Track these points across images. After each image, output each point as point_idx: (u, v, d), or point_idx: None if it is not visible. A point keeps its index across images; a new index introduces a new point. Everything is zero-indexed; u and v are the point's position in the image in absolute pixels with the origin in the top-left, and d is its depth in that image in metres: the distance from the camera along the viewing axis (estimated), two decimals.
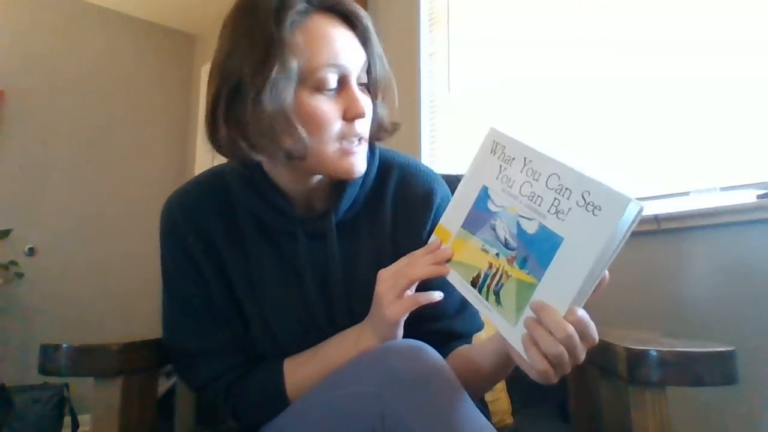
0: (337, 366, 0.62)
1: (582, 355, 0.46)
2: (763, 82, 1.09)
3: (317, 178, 0.66)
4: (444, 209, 0.61)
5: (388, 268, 0.60)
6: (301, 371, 0.66)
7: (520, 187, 0.49)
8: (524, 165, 0.49)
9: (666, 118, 1.24)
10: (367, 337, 0.62)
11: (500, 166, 0.52)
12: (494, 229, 0.51)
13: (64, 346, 0.69)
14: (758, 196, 1.06)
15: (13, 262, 2.38)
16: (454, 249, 0.55)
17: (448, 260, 0.56)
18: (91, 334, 2.46)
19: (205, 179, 0.72)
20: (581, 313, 0.44)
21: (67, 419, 2.17)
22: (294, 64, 0.55)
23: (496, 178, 0.52)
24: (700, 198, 1.16)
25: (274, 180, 0.66)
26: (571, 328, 0.43)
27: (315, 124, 0.57)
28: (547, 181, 0.46)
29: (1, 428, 1.96)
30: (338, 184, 0.68)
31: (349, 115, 0.59)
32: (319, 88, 0.58)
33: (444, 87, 1.82)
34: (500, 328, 0.49)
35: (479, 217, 0.53)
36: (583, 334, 0.45)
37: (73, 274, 2.62)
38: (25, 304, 2.45)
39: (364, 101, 0.61)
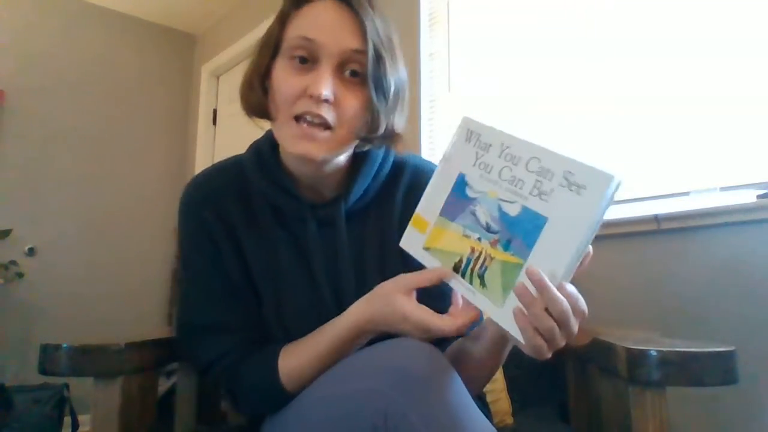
0: (328, 353, 0.62)
1: (575, 328, 0.47)
2: (763, 82, 1.10)
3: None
4: None
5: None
6: (294, 357, 0.65)
7: (500, 171, 0.50)
8: (502, 150, 0.50)
9: (666, 118, 1.24)
10: (366, 329, 0.61)
11: (476, 153, 0.52)
12: (474, 215, 0.51)
13: (64, 346, 0.69)
14: (758, 196, 1.06)
15: (13, 262, 2.38)
16: (434, 237, 0.56)
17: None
18: (91, 334, 2.45)
19: (225, 166, 0.75)
20: (571, 287, 0.46)
21: (67, 419, 2.16)
22: (276, 34, 0.63)
23: (473, 165, 0.52)
24: (700, 198, 1.16)
25: (287, 167, 0.70)
26: (566, 303, 0.45)
27: (276, 93, 0.62)
28: (527, 165, 0.48)
29: (1, 428, 1.96)
30: (349, 174, 0.71)
31: (308, 92, 0.60)
32: (290, 59, 0.62)
33: (444, 87, 1.82)
34: (487, 310, 0.50)
35: (458, 204, 0.53)
36: (575, 307, 0.46)
37: (73, 274, 2.62)
38: (25, 304, 2.45)
39: (327, 83, 0.59)
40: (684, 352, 0.59)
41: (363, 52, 0.61)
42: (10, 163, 2.52)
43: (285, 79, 0.61)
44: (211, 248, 0.70)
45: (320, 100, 0.59)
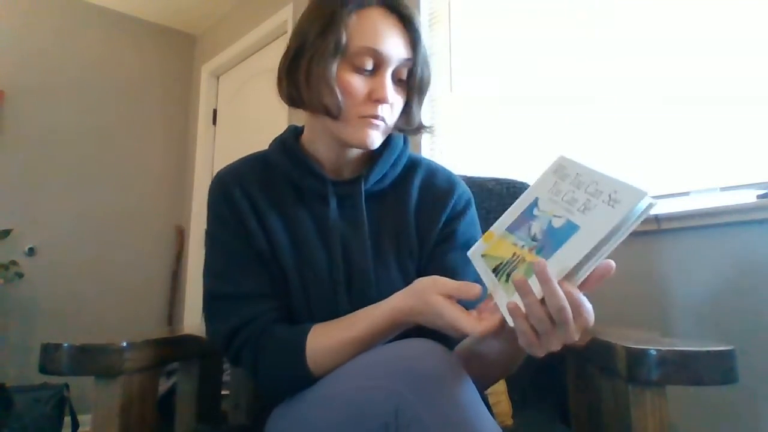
0: (360, 340, 0.63)
1: (573, 335, 0.47)
2: (763, 82, 1.10)
3: (348, 150, 0.75)
4: (461, 205, 0.78)
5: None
6: (324, 337, 0.65)
7: (564, 194, 0.54)
8: (574, 178, 0.54)
9: (666, 118, 1.24)
10: (401, 321, 0.62)
11: (555, 182, 0.57)
12: (529, 228, 0.56)
13: (65, 345, 0.69)
14: (758, 196, 1.06)
15: (13, 262, 2.38)
16: (493, 246, 0.60)
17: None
18: (91, 334, 2.45)
19: (251, 158, 0.82)
20: (578, 292, 0.46)
21: (67, 419, 2.17)
22: (343, 41, 0.67)
23: (548, 191, 0.57)
24: (700, 198, 1.16)
25: (309, 151, 0.77)
26: (565, 300, 0.45)
27: (345, 94, 0.69)
28: (587, 188, 0.51)
29: (1, 428, 1.96)
30: (369, 158, 0.78)
31: (373, 97, 0.69)
32: (356, 67, 0.69)
33: (445, 87, 1.82)
34: (498, 300, 0.53)
35: (522, 220, 0.58)
36: (577, 311, 0.46)
37: (73, 274, 2.62)
38: (25, 304, 2.46)
39: (390, 89, 0.70)
40: (684, 351, 0.59)
41: (412, 60, 0.71)
42: (10, 163, 2.52)
43: (354, 84, 0.69)
44: (238, 223, 0.74)
45: (385, 102, 0.69)
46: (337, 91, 0.68)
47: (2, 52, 2.54)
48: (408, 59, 0.70)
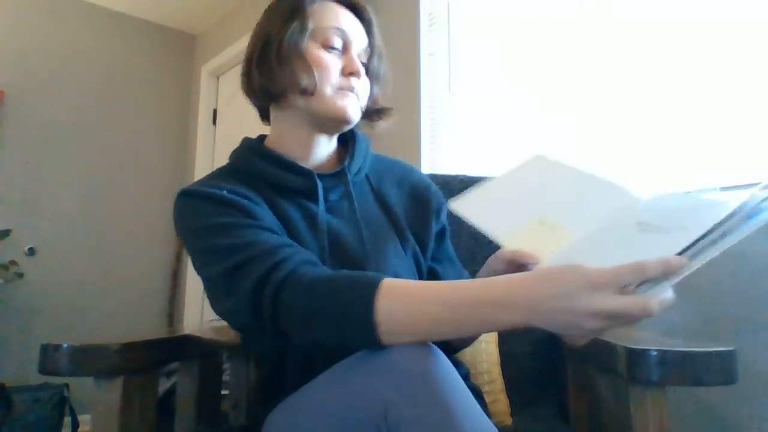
0: (452, 310, 0.51)
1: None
2: (763, 82, 1.10)
3: (321, 143, 0.77)
4: (440, 197, 0.83)
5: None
6: (404, 287, 0.54)
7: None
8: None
9: (666, 117, 1.24)
10: (518, 306, 0.49)
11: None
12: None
13: (65, 345, 0.69)
14: None
15: (13, 262, 2.38)
16: None
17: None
18: (91, 334, 2.46)
19: (216, 173, 0.77)
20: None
21: (67, 419, 2.17)
22: (309, 25, 0.72)
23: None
24: None
25: (280, 151, 0.76)
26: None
27: (318, 69, 0.71)
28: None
29: (1, 428, 1.96)
30: (341, 151, 0.81)
31: (347, 71, 0.73)
32: (325, 45, 0.73)
33: (444, 87, 1.82)
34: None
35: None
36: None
37: (73, 274, 2.62)
38: (25, 304, 2.45)
39: (360, 66, 0.74)
40: (684, 351, 0.59)
41: (368, 51, 0.77)
42: (10, 163, 2.52)
43: (326, 58, 0.72)
44: (232, 206, 0.66)
45: (358, 75, 0.74)
46: (311, 65, 0.70)
47: (2, 51, 2.54)
48: (366, 47, 0.77)
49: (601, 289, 0.46)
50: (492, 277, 0.52)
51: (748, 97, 1.12)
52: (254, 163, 0.74)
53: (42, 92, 2.64)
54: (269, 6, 0.78)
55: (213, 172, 0.77)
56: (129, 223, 2.86)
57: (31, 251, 2.52)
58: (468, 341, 0.79)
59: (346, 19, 0.75)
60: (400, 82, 1.99)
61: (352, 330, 0.53)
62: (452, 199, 0.68)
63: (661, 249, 0.47)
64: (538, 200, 0.65)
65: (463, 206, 0.69)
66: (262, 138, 0.82)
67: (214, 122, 3.06)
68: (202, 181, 0.74)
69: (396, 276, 0.57)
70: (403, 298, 0.53)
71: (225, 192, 0.68)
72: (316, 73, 0.71)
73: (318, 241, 0.71)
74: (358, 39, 0.76)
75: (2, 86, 2.51)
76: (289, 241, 0.65)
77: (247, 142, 0.80)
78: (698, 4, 1.21)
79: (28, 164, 2.57)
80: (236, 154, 0.79)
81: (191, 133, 3.13)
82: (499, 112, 1.63)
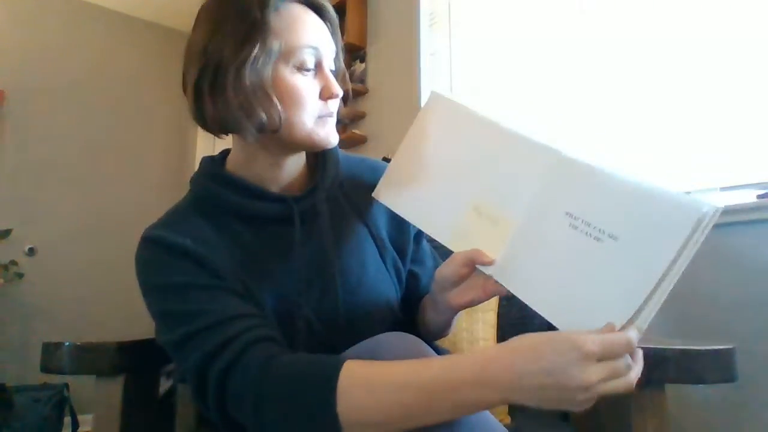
0: (416, 395, 0.46)
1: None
2: (763, 82, 1.10)
3: (289, 163, 0.69)
4: None
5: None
6: (366, 369, 0.49)
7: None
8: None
9: (666, 118, 1.24)
10: (491, 385, 0.45)
11: None
12: None
13: (66, 344, 0.69)
14: (758, 196, 1.06)
15: (13, 262, 2.38)
16: None
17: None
18: (91, 334, 2.44)
19: (173, 211, 0.71)
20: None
21: (67, 419, 2.17)
22: (275, 45, 0.60)
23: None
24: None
25: (246, 176, 0.69)
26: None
27: (293, 99, 0.62)
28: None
29: (1, 428, 1.96)
30: (310, 167, 0.73)
31: (326, 95, 0.64)
32: (299, 67, 0.62)
33: (444, 87, 1.82)
34: None
35: None
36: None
37: (73, 274, 2.62)
38: (25, 304, 2.45)
39: (338, 86, 0.66)
40: (683, 350, 0.60)
41: (335, 51, 0.68)
42: (10, 163, 2.52)
43: (302, 86, 0.63)
44: (194, 265, 0.62)
45: (337, 97, 0.66)
46: (275, 99, 0.60)
47: (3, 52, 2.54)
48: (335, 49, 0.68)
49: (593, 359, 0.43)
50: (464, 354, 0.48)
51: (748, 97, 1.12)
52: (217, 193, 0.67)
53: (42, 92, 2.64)
54: (207, 10, 0.64)
55: (178, 205, 0.71)
56: (129, 222, 2.84)
57: (31, 251, 2.52)
58: (445, 331, 0.73)
59: (314, 29, 0.64)
60: (400, 82, 1.99)
61: (312, 426, 0.48)
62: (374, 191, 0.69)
63: (596, 260, 0.51)
64: (460, 173, 0.63)
65: (384, 194, 0.69)
66: (224, 156, 0.73)
67: None
68: (167, 221, 0.69)
69: (378, 293, 0.61)
70: (367, 386, 0.47)
71: (189, 241, 0.62)
72: (291, 106, 0.61)
73: (295, 267, 0.66)
74: (329, 49, 0.66)
75: (2, 86, 2.51)
76: (247, 308, 0.59)
77: (206, 166, 0.71)
78: (698, 4, 1.21)
79: (28, 164, 2.57)
80: (196, 182, 0.70)
81: (191, 133, 3.13)
82: (499, 112, 1.63)
